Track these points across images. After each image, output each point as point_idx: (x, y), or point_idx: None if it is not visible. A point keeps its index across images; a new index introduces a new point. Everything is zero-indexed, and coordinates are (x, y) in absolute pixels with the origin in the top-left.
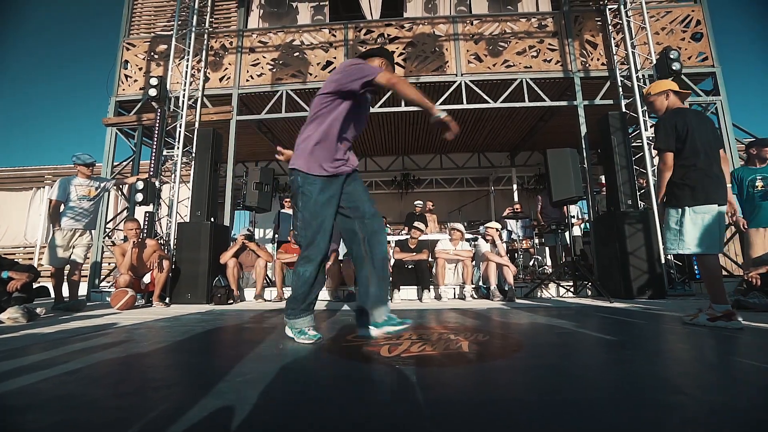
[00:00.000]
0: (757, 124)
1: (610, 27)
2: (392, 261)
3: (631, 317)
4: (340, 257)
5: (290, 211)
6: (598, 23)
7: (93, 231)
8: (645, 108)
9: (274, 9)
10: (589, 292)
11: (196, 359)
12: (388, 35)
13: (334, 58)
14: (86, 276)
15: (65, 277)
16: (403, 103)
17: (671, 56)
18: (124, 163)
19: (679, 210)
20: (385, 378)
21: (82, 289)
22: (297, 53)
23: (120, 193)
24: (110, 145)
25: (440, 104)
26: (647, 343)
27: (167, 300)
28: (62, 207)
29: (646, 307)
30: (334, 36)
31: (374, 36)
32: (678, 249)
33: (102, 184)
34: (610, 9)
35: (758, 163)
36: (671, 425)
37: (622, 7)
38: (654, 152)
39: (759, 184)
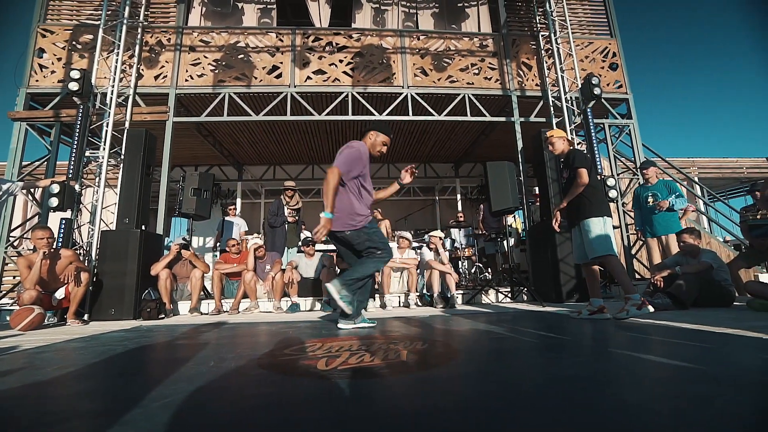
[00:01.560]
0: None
1: (543, 51)
2: (338, 270)
3: (560, 321)
4: (282, 266)
5: (234, 219)
6: (533, 47)
7: None
8: (572, 127)
9: (218, 8)
10: (525, 297)
11: (109, 384)
12: (337, 44)
13: (281, 63)
14: None
15: None
16: (350, 112)
17: (593, 82)
18: (37, 164)
19: (607, 219)
20: (318, 393)
21: None
22: (242, 55)
23: (30, 197)
24: (18, 142)
25: (387, 115)
26: (572, 344)
27: (86, 317)
28: None
29: (573, 310)
30: (281, 41)
31: (322, 44)
32: (608, 251)
33: (6, 187)
34: (542, 35)
35: (647, 182)
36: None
37: (552, 35)
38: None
39: (650, 200)
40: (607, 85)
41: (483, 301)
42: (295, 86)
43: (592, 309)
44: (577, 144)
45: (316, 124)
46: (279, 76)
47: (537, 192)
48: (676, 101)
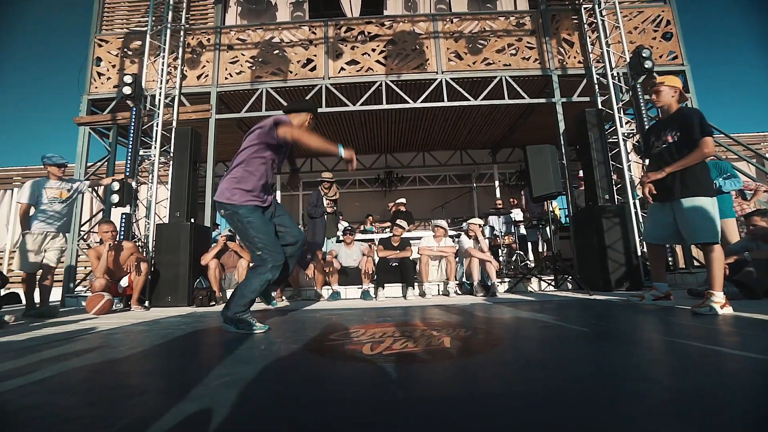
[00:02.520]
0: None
1: (585, 26)
2: (377, 259)
3: (610, 309)
4: (322, 256)
5: None
6: (575, 22)
7: (67, 234)
8: (620, 105)
9: (253, 6)
10: (570, 286)
11: (173, 363)
12: (369, 33)
13: (314, 55)
14: (60, 281)
15: (37, 283)
16: (384, 101)
17: (644, 54)
18: (99, 164)
19: (714, 200)
20: (365, 376)
21: (56, 295)
22: (276, 51)
23: (95, 194)
24: (83, 145)
25: (422, 102)
26: (622, 334)
27: (147, 303)
28: (32, 210)
29: (624, 298)
30: (314, 33)
31: (354, 33)
32: (717, 238)
33: (75, 186)
34: (585, 8)
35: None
36: (641, 412)
37: (596, 6)
38: (629, 148)
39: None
40: (660, 57)
41: (525, 290)
42: (329, 78)
43: (657, 294)
44: (626, 123)
45: (350, 115)
46: (313, 69)
47: (581, 175)
48: (745, 69)
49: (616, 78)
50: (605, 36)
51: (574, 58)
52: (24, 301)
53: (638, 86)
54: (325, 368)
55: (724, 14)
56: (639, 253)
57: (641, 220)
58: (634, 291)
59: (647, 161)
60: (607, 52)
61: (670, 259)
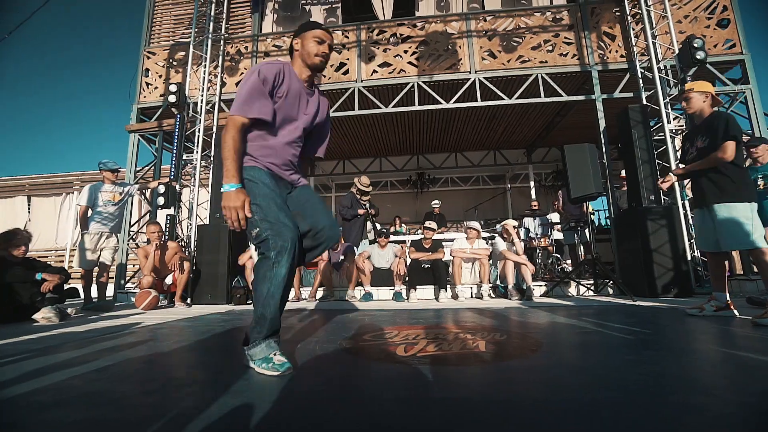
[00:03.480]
0: None
1: (629, 18)
2: (408, 261)
3: (656, 317)
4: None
5: None
6: (617, 14)
7: (118, 234)
8: (667, 100)
9: (288, 13)
10: (611, 291)
11: (216, 358)
12: (401, 35)
13: (347, 59)
14: (113, 277)
15: (94, 279)
16: (416, 102)
17: (695, 45)
18: (146, 168)
19: (754, 205)
20: (401, 377)
21: (110, 290)
22: None
23: (143, 197)
24: (133, 150)
25: (454, 102)
26: (675, 342)
27: (189, 300)
28: (90, 212)
29: (673, 305)
30: (347, 37)
31: (387, 36)
32: (755, 244)
33: (126, 189)
34: None
35: (757, 162)
36: (691, 427)
37: None
38: (678, 145)
39: (760, 182)
40: (714, 46)
41: (562, 294)
42: (361, 81)
43: (718, 305)
44: (673, 119)
45: (383, 117)
46: (346, 72)
47: (623, 175)
48: None
49: (663, 71)
50: (651, 27)
51: (616, 52)
52: (82, 296)
53: (689, 78)
54: (361, 368)
55: None
56: (689, 258)
57: (691, 222)
58: (683, 298)
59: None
60: (654, 44)
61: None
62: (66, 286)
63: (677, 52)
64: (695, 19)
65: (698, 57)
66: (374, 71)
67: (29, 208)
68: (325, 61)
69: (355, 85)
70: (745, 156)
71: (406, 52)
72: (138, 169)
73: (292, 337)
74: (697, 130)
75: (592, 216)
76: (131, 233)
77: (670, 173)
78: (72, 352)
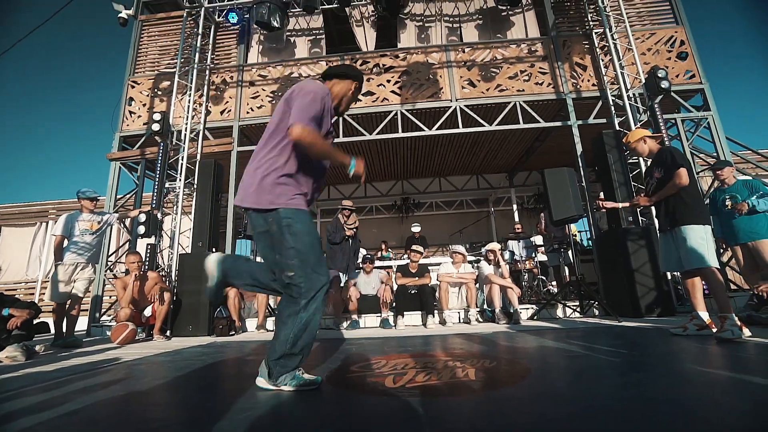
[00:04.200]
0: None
1: (597, 49)
2: (395, 287)
3: (643, 337)
4: (342, 284)
5: None
6: (586, 46)
7: (96, 264)
8: (638, 126)
9: (273, 44)
10: (596, 312)
11: (197, 396)
12: (384, 65)
13: None
14: (87, 310)
15: (65, 312)
16: (400, 130)
17: (659, 75)
18: (128, 196)
19: (707, 227)
20: (390, 411)
21: (82, 324)
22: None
23: (123, 226)
24: (114, 179)
25: (437, 129)
26: (661, 363)
27: (168, 333)
28: (66, 242)
29: (657, 325)
30: None
31: (370, 66)
32: (709, 263)
33: (105, 218)
34: (596, 33)
35: (724, 183)
36: None
37: (608, 30)
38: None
39: (728, 203)
40: (677, 76)
41: (549, 316)
42: None
43: (700, 324)
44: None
45: (367, 144)
46: None
47: (602, 197)
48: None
49: (633, 99)
50: (618, 58)
51: (588, 81)
52: (53, 331)
53: (656, 106)
54: (349, 403)
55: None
56: (669, 278)
57: None
58: (666, 317)
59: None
60: (622, 74)
61: (704, 283)
62: (35, 321)
63: (643, 81)
64: (657, 51)
65: (663, 86)
66: (358, 100)
67: None
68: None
69: None
70: (712, 178)
71: (389, 81)
72: (119, 197)
73: None
74: (652, 165)
75: (575, 237)
76: (109, 263)
77: (636, 202)
78: (38, 395)
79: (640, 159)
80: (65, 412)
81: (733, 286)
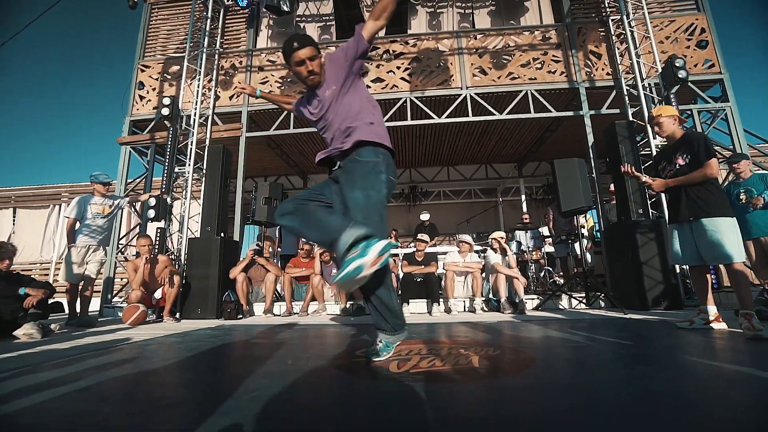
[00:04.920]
0: None
1: (613, 37)
2: (401, 275)
3: (648, 329)
4: None
5: None
6: (602, 34)
7: (107, 247)
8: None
9: (282, 29)
10: (602, 304)
11: (204, 376)
12: (394, 51)
13: None
14: (99, 291)
15: (79, 293)
16: (409, 117)
17: (677, 64)
18: (138, 180)
19: (734, 220)
20: (393, 395)
21: (95, 305)
22: None
23: (133, 209)
24: (124, 163)
25: (446, 117)
26: (666, 356)
27: (177, 315)
28: (78, 224)
29: (663, 318)
30: None
31: (380, 52)
32: (736, 258)
33: (116, 202)
34: (613, 20)
35: (739, 177)
36: None
37: (625, 17)
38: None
39: (742, 197)
40: (695, 66)
41: (554, 307)
42: None
43: (707, 318)
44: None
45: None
46: None
47: (612, 189)
48: None
49: (648, 89)
50: (635, 47)
51: (602, 70)
52: (67, 310)
53: (672, 97)
54: (353, 386)
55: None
56: (678, 271)
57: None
58: (673, 310)
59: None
60: (638, 63)
61: (714, 277)
62: (50, 301)
63: (660, 71)
64: (676, 40)
65: (680, 76)
66: (367, 86)
67: (14, 220)
68: (317, 73)
69: None
70: (728, 171)
71: (398, 68)
72: (129, 181)
73: (283, 352)
74: (674, 148)
75: (589, 229)
76: (120, 246)
77: (656, 181)
78: (53, 371)
79: (653, 150)
80: (78, 388)
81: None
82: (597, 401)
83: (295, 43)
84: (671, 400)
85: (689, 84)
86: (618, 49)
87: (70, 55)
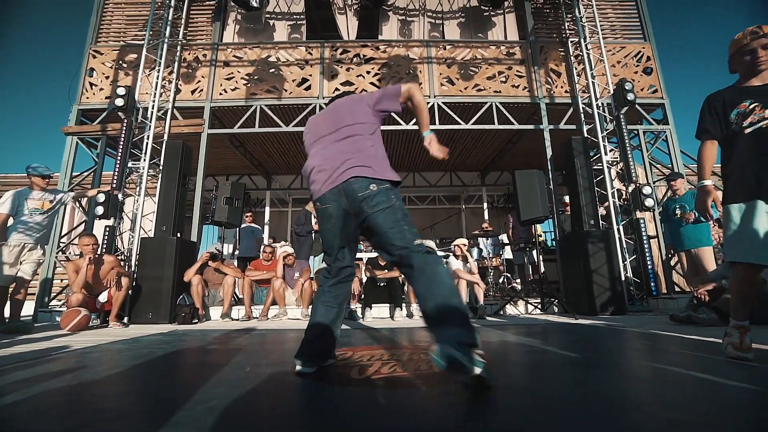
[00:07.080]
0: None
1: (572, 58)
2: (364, 279)
3: (596, 334)
4: (311, 274)
5: (253, 226)
6: (562, 54)
7: (45, 246)
8: (605, 134)
9: (251, 25)
10: (556, 309)
11: (154, 386)
12: (364, 56)
13: (310, 75)
14: (34, 294)
15: (8, 296)
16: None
17: (626, 87)
18: (85, 174)
19: None
20: (353, 402)
21: (28, 309)
22: (272, 69)
23: (78, 206)
24: (70, 155)
25: (414, 123)
26: (612, 360)
27: (126, 320)
28: (11, 221)
29: (609, 323)
30: (311, 54)
31: (350, 56)
32: None
33: (58, 197)
34: (572, 42)
35: (675, 194)
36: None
37: (582, 40)
38: (613, 175)
39: (678, 212)
40: (641, 90)
41: (511, 313)
42: (323, 97)
43: (748, 345)
44: (609, 151)
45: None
46: (308, 88)
47: (567, 200)
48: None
49: (601, 108)
50: (590, 68)
51: (561, 87)
52: None
53: (621, 117)
54: (312, 393)
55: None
56: (623, 279)
57: (625, 245)
58: (618, 315)
59: (714, 144)
60: (593, 83)
61: (653, 285)
62: None
63: (612, 92)
64: (626, 65)
65: (629, 98)
66: (336, 89)
67: None
68: None
69: (316, 101)
70: (666, 188)
71: (368, 72)
72: (75, 174)
73: (241, 359)
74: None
75: (540, 238)
76: (61, 245)
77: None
78: None
79: (605, 166)
80: (6, 403)
81: (677, 288)
82: (551, 400)
83: None
84: (616, 402)
85: (636, 106)
86: (576, 68)
87: (8, 27)
